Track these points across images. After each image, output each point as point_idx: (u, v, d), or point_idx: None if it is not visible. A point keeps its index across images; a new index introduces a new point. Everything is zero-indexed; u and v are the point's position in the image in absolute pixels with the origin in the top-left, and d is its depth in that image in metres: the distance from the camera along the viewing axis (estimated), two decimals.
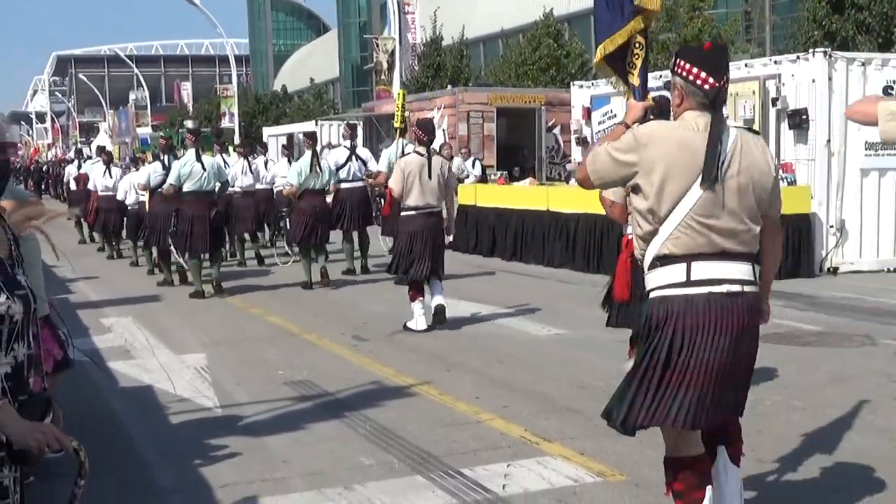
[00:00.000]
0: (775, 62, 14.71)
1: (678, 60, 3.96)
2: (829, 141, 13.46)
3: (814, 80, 13.56)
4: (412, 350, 9.08)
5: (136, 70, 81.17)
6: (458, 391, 7.39)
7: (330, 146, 22.10)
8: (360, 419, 6.72)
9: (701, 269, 3.82)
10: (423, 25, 39.12)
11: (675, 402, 3.83)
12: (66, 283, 14.50)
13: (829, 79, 13.49)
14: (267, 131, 37.02)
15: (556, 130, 24.08)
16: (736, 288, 3.83)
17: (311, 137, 13.82)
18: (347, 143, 15.02)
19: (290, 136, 27.97)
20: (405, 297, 10.06)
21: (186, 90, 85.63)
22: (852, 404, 6.76)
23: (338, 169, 14.25)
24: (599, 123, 18.08)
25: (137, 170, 16.36)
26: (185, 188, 12.50)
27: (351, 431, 6.47)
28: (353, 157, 14.60)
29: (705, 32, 28.49)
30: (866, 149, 13.40)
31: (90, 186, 19.28)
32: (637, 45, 4.71)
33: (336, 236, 14.62)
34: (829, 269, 13.53)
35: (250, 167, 16.70)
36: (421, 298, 9.81)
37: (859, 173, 13.56)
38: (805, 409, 6.73)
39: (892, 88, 12.95)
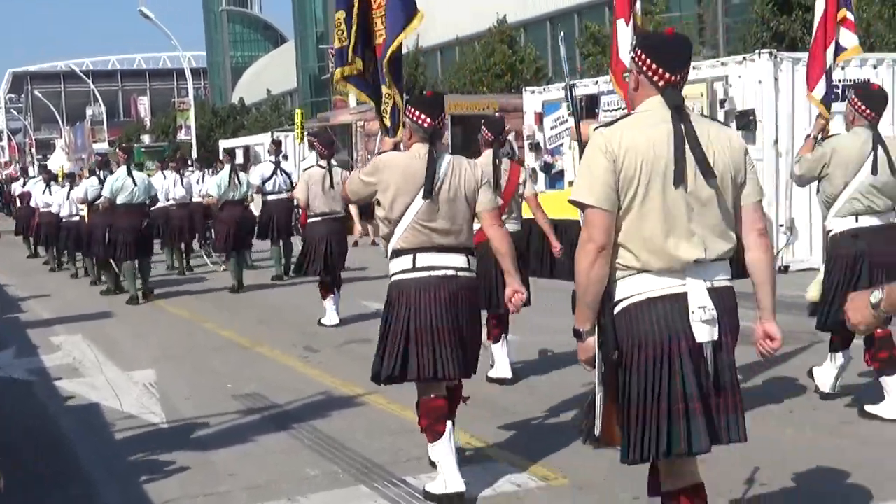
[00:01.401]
0: (722, 63, 14.82)
1: (407, 106, 5.24)
2: (776, 141, 13.59)
3: (760, 81, 13.68)
4: (364, 359, 9.00)
5: (91, 85, 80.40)
6: (405, 399, 7.30)
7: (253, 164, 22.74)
8: (308, 430, 6.71)
9: (423, 259, 5.07)
10: None
11: (414, 358, 5.05)
12: (18, 301, 14.38)
13: (776, 79, 13.63)
14: (224, 144, 36.79)
15: (511, 136, 24.05)
16: (450, 273, 5.09)
17: (229, 153, 15.21)
18: (273, 157, 15.86)
19: (247, 149, 27.89)
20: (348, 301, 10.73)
21: (144, 104, 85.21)
22: (796, 401, 6.85)
23: (264, 182, 15.37)
24: (552, 128, 18.16)
25: (71, 185, 17.31)
26: (119, 201, 13.27)
27: (298, 443, 6.45)
28: (279, 171, 15.61)
29: None
30: None
31: (31, 204, 19.72)
32: (387, 95, 5.91)
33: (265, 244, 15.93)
34: (779, 268, 13.64)
35: (182, 181, 17.36)
36: (332, 296, 10.93)
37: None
38: (748, 408, 6.78)
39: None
